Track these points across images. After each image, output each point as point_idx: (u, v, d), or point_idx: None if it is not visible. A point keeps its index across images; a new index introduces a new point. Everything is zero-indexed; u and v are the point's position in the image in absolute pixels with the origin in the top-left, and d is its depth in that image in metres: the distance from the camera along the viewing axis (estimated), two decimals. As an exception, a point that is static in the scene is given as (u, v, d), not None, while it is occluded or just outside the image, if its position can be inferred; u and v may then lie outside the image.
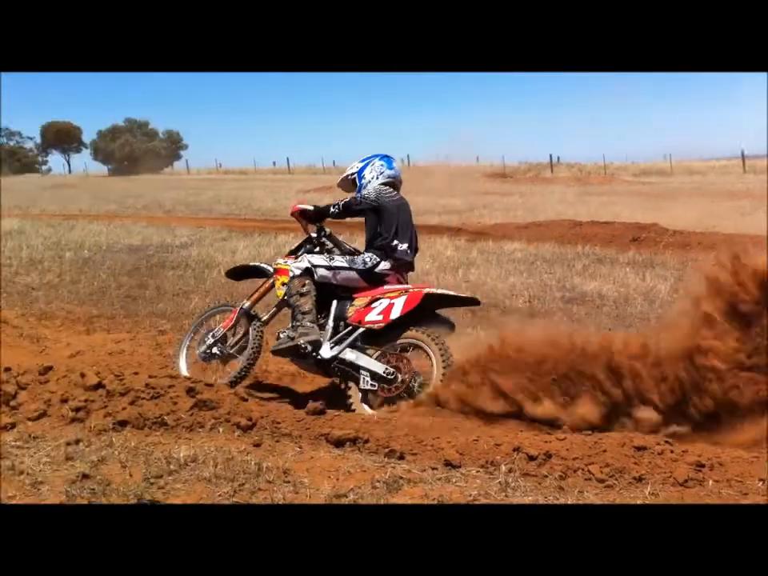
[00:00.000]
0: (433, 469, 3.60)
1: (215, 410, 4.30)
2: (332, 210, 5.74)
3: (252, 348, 5.48)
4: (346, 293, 5.53)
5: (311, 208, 5.87)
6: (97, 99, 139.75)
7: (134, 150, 77.91)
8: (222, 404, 4.36)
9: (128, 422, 4.16)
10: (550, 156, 46.96)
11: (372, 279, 5.52)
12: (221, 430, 4.13)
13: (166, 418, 4.19)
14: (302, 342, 5.28)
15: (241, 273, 6.31)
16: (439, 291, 5.48)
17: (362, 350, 5.24)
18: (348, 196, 5.81)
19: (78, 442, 3.95)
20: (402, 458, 3.75)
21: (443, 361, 4.91)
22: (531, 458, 3.67)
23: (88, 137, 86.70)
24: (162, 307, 8.43)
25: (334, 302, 5.51)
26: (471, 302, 5.70)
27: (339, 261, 5.61)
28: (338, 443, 3.93)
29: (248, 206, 24.32)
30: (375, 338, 5.26)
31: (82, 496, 3.31)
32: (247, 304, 5.75)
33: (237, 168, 66.08)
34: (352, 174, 5.97)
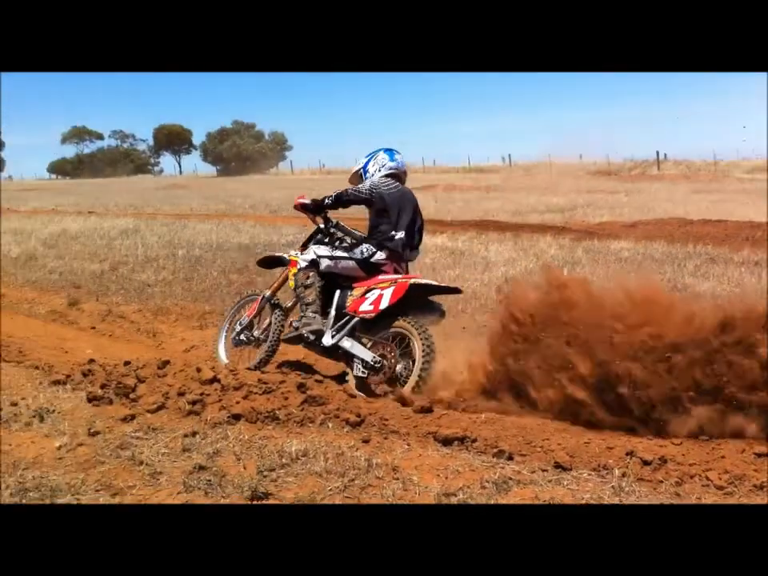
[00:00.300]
0: (543, 471, 3.53)
1: (324, 405, 4.37)
2: (326, 201, 5.97)
3: (272, 336, 5.88)
4: (347, 282, 5.78)
5: (309, 201, 6.10)
6: (205, 101, 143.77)
7: (242, 152, 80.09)
8: (331, 400, 4.43)
9: (242, 415, 4.26)
10: (657, 153, 45.38)
11: (369, 269, 5.73)
12: (330, 425, 4.18)
13: (277, 412, 4.27)
14: (304, 331, 5.65)
15: (269, 262, 6.60)
16: (424, 281, 5.56)
17: (358, 339, 5.48)
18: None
19: (194, 434, 4.06)
20: (510, 458, 3.71)
21: (425, 349, 5.02)
22: (645, 463, 3.56)
23: (198, 139, 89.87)
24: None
25: (337, 292, 5.77)
26: (454, 290, 5.85)
27: (341, 251, 5.89)
28: (446, 442, 3.91)
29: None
30: (371, 327, 5.46)
31: (198, 487, 3.40)
32: (268, 293, 6.14)
33: (339, 168, 66.81)
34: (359, 168, 6.20)
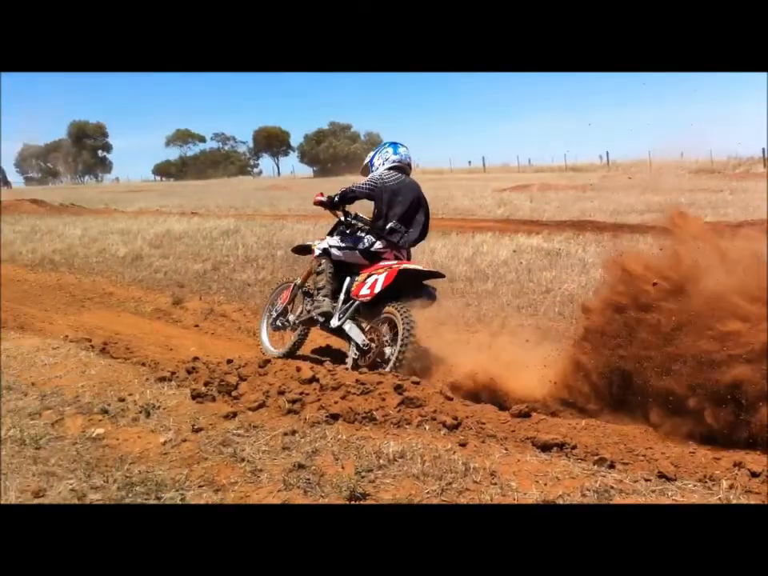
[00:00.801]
0: (646, 480, 3.41)
1: (421, 407, 4.35)
2: (335, 199, 6.54)
3: (300, 322, 6.61)
4: (355, 269, 6.34)
5: (325, 199, 6.61)
6: (303, 103, 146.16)
7: (337, 153, 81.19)
8: (428, 402, 4.42)
9: (340, 415, 4.29)
10: (763, 150, 43.38)
11: (370, 257, 6.28)
12: (427, 427, 4.16)
13: (374, 413, 4.29)
14: (314, 314, 6.19)
15: (301, 249, 7.27)
16: (411, 267, 6.02)
17: (358, 323, 6.01)
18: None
19: (293, 432, 4.11)
20: (612, 466, 3.61)
21: (404, 332, 5.42)
22: (754, 475, 3.41)
23: (295, 140, 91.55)
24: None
25: (347, 279, 6.32)
26: (437, 275, 6.22)
27: (348, 241, 6.44)
28: (545, 447, 3.84)
29: (445, 205, 24.49)
30: (371, 311, 5.97)
31: (298, 486, 3.43)
32: (299, 281, 6.89)
33: (433, 168, 66.80)
34: (367, 161, 6.83)
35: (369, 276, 6.03)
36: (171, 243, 14.48)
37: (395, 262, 6.15)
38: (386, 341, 5.66)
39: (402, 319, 5.47)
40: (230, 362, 5.11)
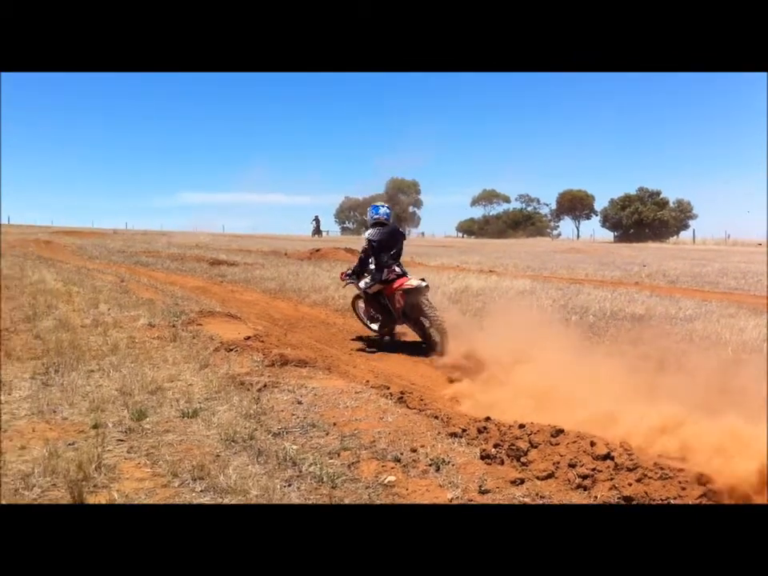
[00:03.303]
0: None
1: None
2: (356, 269, 10.33)
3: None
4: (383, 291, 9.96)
5: (352, 275, 10.44)
6: (611, 167, 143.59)
7: (642, 219, 78.60)
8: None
9: (633, 498, 4.06)
10: None
11: (384, 282, 9.82)
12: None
13: (672, 502, 4.00)
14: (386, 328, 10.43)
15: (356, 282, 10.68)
16: (407, 286, 9.58)
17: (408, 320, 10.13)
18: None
19: (582, 509, 3.97)
20: None
21: (433, 320, 9.47)
22: None
23: (599, 204, 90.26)
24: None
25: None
26: (424, 281, 9.68)
27: (371, 280, 10.00)
28: None
29: (759, 281, 22.50)
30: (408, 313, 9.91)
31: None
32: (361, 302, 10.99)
33: (747, 240, 62.00)
34: (367, 218, 10.54)
35: (394, 296, 9.69)
36: (468, 299, 14.82)
37: (397, 277, 9.72)
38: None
39: (431, 315, 9.40)
40: (521, 426, 5.05)
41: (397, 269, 9.80)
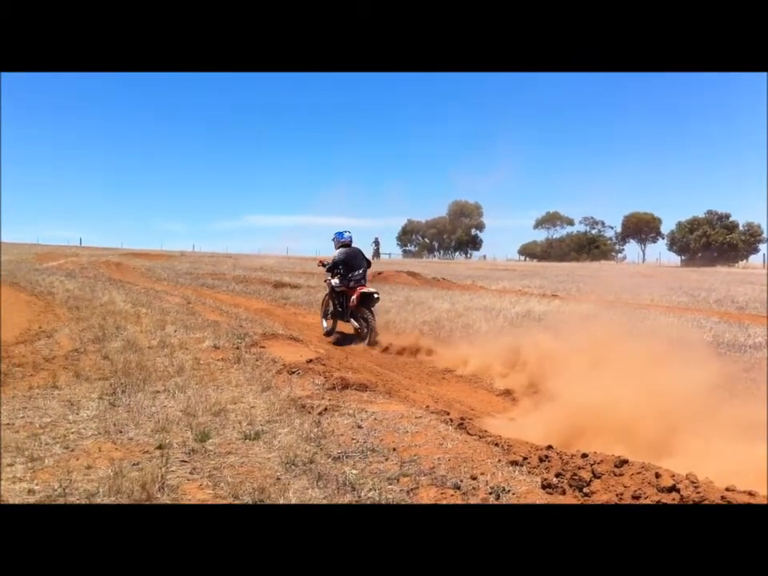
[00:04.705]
0: None
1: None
2: (329, 266, 13.51)
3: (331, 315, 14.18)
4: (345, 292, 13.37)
5: (325, 264, 13.64)
6: (678, 188, 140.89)
7: (711, 242, 76.83)
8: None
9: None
10: None
11: (349, 286, 13.16)
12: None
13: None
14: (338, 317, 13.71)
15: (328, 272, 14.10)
16: (366, 290, 12.93)
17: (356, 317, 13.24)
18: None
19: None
20: None
21: (370, 321, 12.80)
22: None
23: (666, 227, 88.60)
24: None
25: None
26: (376, 293, 13.19)
27: (340, 281, 13.30)
28: None
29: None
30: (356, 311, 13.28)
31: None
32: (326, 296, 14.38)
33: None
34: (333, 241, 13.96)
35: (352, 296, 12.88)
36: (530, 324, 14.67)
37: (359, 287, 12.96)
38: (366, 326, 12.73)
39: (370, 313, 12.69)
40: (584, 456, 4.96)
41: (361, 280, 13.19)
